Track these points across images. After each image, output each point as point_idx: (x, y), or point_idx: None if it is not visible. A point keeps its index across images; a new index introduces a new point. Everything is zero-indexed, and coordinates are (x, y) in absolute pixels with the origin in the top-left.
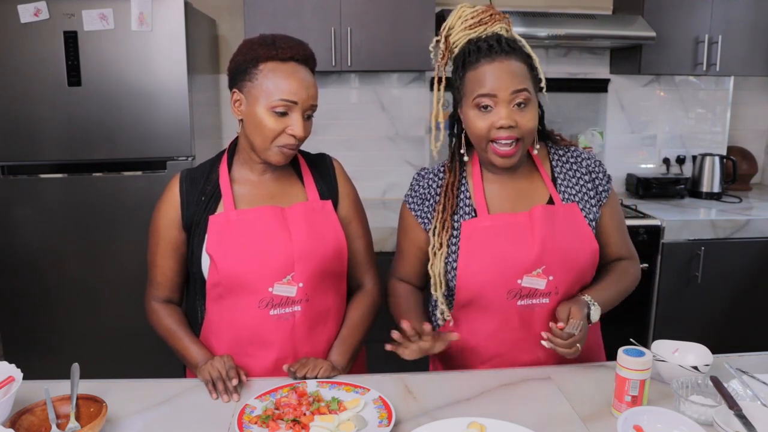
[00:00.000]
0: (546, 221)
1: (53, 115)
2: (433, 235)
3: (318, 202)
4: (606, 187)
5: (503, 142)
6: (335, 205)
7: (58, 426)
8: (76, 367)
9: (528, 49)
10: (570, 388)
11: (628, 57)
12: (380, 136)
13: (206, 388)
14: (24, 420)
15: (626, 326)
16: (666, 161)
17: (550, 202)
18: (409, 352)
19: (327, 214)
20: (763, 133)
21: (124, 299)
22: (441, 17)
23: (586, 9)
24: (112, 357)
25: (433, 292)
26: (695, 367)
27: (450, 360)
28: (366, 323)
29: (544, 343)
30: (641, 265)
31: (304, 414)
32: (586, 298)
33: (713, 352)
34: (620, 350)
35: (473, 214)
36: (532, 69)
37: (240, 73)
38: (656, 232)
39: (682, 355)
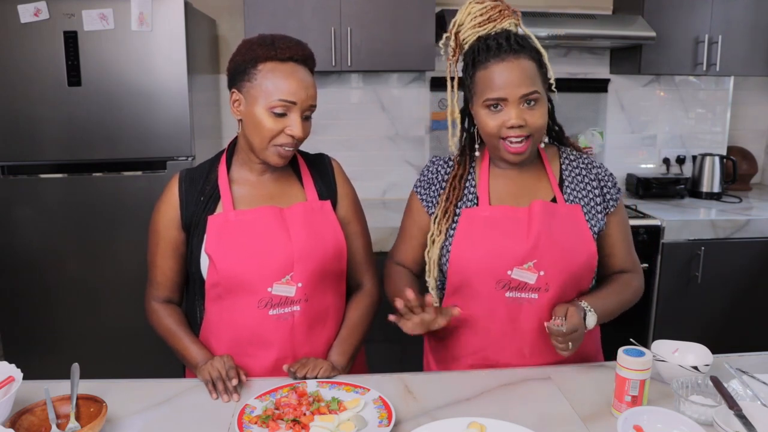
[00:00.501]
0: (544, 217)
1: (53, 115)
2: (434, 222)
3: (317, 202)
4: (615, 197)
5: (514, 140)
6: (334, 205)
7: (58, 426)
8: (76, 367)
9: (537, 44)
10: (570, 388)
11: (628, 57)
12: (380, 136)
13: (206, 388)
14: (24, 420)
15: (626, 326)
16: (666, 161)
17: (554, 201)
18: (411, 325)
19: (326, 214)
20: (763, 133)
21: (124, 299)
22: (441, 17)
23: (586, 9)
24: (112, 357)
25: (426, 278)
26: (695, 367)
27: (436, 351)
28: (365, 323)
29: (546, 324)
30: (641, 265)
31: (304, 414)
32: (583, 303)
33: (713, 352)
34: (620, 350)
35: (475, 202)
36: (541, 66)
37: (239, 73)
38: (656, 232)
39: (682, 355)
